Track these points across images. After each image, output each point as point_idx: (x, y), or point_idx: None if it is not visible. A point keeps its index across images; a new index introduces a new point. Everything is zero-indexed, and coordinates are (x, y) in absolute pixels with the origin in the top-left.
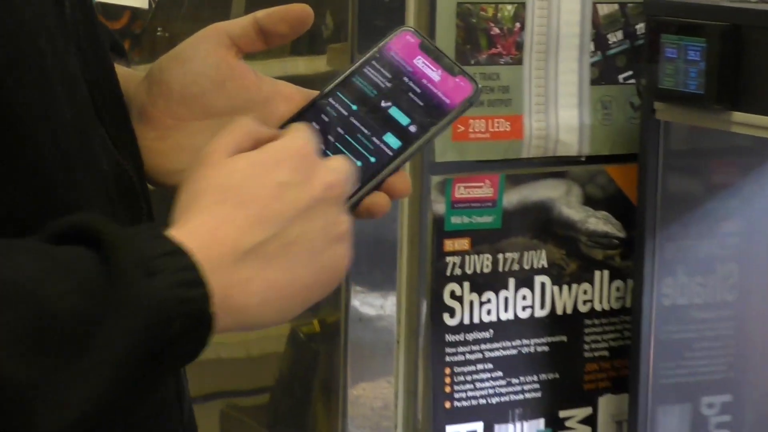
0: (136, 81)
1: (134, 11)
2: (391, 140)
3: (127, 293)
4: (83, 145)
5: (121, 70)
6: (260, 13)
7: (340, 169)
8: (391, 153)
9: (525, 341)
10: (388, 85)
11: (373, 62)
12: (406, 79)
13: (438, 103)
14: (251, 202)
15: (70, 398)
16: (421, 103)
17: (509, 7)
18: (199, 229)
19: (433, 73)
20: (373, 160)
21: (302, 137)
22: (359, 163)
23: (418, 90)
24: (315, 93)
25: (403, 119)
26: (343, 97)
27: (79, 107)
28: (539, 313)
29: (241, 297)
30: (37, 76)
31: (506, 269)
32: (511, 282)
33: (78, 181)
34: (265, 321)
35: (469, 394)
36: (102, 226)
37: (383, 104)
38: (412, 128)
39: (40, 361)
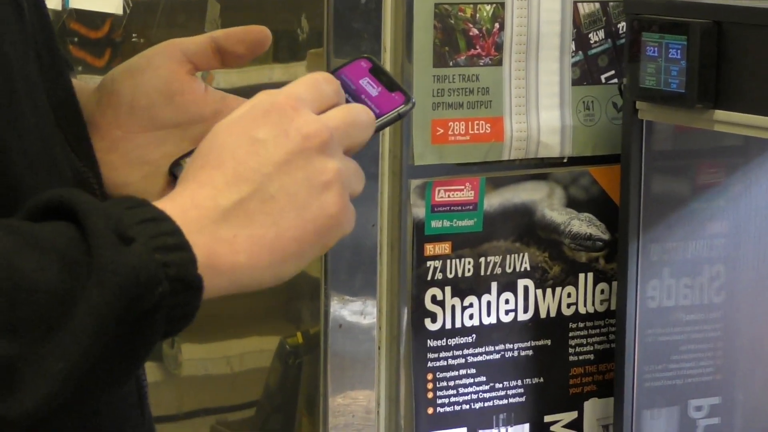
0: (86, 92)
1: (114, 19)
2: None
3: (104, 261)
4: (46, 151)
5: (75, 82)
6: (218, 33)
7: (320, 119)
8: None
9: (508, 346)
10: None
11: None
12: (350, 95)
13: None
14: (227, 162)
15: (51, 369)
16: None
17: (488, 7)
18: (179, 196)
19: (372, 90)
20: None
21: (283, 93)
22: None
23: (352, 102)
24: None
25: None
26: None
27: (40, 113)
28: (522, 317)
29: (228, 256)
30: (2, 81)
31: (488, 273)
32: (494, 286)
33: (43, 184)
34: (259, 278)
35: (452, 399)
36: (77, 198)
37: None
38: None
39: (21, 334)
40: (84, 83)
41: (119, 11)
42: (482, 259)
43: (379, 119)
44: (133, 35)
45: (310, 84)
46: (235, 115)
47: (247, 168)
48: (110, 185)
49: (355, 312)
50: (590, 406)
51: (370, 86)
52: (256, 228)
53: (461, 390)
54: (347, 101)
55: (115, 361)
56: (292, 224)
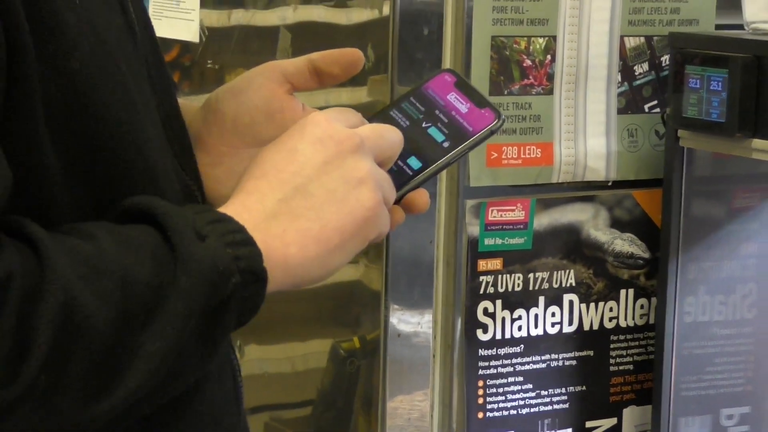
0: (191, 111)
1: (184, 44)
2: (427, 154)
3: (188, 254)
4: (161, 164)
5: (181, 102)
6: (315, 55)
7: (351, 129)
8: (423, 165)
9: (554, 356)
10: (425, 112)
11: (413, 97)
12: (439, 110)
13: (462, 130)
14: (269, 171)
15: (150, 349)
16: (448, 129)
17: (541, 39)
18: (231, 205)
19: (461, 106)
20: (416, 165)
21: (317, 113)
22: (415, 163)
23: (447, 119)
24: None
25: (438, 138)
26: (395, 116)
27: (156, 129)
28: (567, 329)
29: (280, 249)
30: (122, 96)
31: (536, 288)
32: (541, 300)
33: (162, 194)
34: (309, 270)
35: (501, 405)
36: (156, 203)
37: (424, 124)
38: (445, 146)
39: (128, 322)
40: (190, 102)
41: (195, 39)
42: (531, 275)
43: (473, 137)
44: (209, 61)
45: (339, 110)
46: (278, 139)
47: (287, 173)
48: (213, 197)
49: (412, 322)
50: (629, 413)
51: (458, 102)
52: (301, 222)
53: (509, 396)
54: (437, 117)
55: (200, 345)
56: (333, 217)
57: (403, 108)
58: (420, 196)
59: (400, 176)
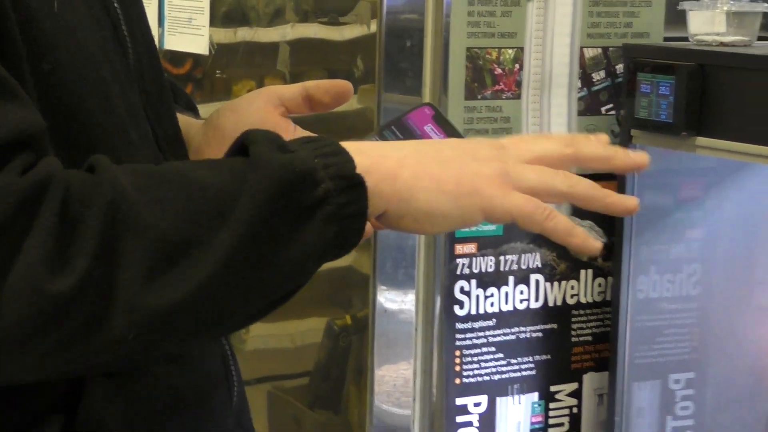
0: (196, 126)
1: (195, 57)
2: None
3: (261, 158)
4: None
5: (185, 117)
6: (309, 84)
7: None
8: None
9: (522, 328)
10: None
11: (394, 127)
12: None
13: None
14: (408, 155)
15: (218, 249)
16: None
17: (510, 50)
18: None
19: (435, 137)
20: None
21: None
22: None
23: None
24: None
25: None
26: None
27: (142, 135)
28: (534, 305)
29: (394, 167)
30: (100, 101)
31: (507, 269)
32: (511, 279)
33: None
34: (417, 200)
35: (476, 372)
36: (253, 133)
37: None
38: None
39: (196, 221)
40: (193, 119)
41: (205, 52)
42: (502, 258)
43: None
44: (217, 72)
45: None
46: None
47: (427, 144)
48: None
49: (397, 300)
50: (588, 379)
51: (433, 133)
52: (424, 160)
53: (483, 364)
54: None
55: (282, 249)
56: (454, 170)
57: (384, 136)
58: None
59: None
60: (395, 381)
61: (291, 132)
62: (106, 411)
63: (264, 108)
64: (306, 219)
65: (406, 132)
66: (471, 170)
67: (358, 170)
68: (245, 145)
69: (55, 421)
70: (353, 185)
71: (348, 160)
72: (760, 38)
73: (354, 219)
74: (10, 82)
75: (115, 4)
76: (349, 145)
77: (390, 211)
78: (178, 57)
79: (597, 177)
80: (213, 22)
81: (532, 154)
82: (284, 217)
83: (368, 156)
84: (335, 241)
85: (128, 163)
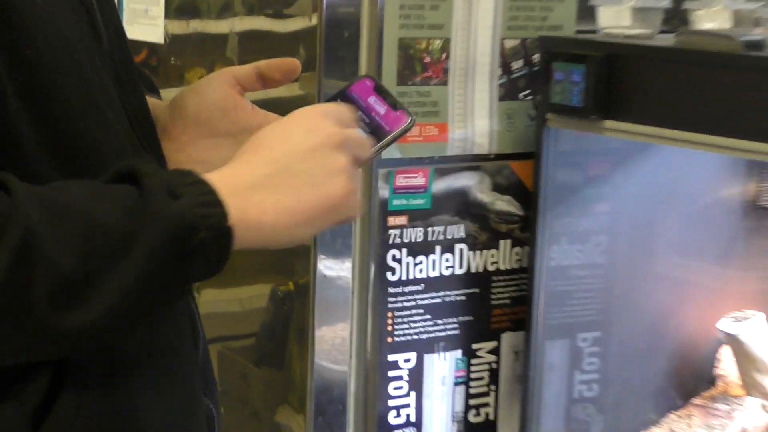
0: (160, 107)
1: (151, 46)
2: None
3: (156, 209)
4: (122, 145)
5: (151, 99)
6: (261, 63)
7: (340, 130)
8: None
9: (447, 292)
10: None
11: (339, 100)
12: (362, 112)
13: (380, 128)
14: (263, 150)
15: (112, 287)
16: (370, 128)
17: (438, 41)
18: (223, 170)
19: (380, 108)
20: None
21: (315, 106)
22: None
23: (368, 119)
24: None
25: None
26: None
27: (115, 113)
28: (458, 271)
29: (255, 215)
30: (78, 81)
31: (434, 239)
32: (438, 248)
33: None
34: (279, 236)
35: (406, 332)
36: (139, 166)
37: None
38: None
39: (91, 260)
40: (158, 100)
41: (161, 41)
42: (430, 229)
43: (389, 135)
44: (171, 59)
45: (336, 107)
46: (275, 122)
47: (278, 153)
48: None
49: (335, 268)
50: (506, 338)
51: (377, 104)
52: (280, 196)
53: (412, 325)
54: (360, 118)
55: (164, 287)
56: (309, 197)
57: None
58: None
59: None
60: (333, 340)
61: (248, 110)
62: (89, 364)
63: (222, 88)
64: (185, 262)
65: (351, 104)
66: (323, 193)
67: (229, 222)
68: (133, 175)
69: (43, 374)
70: (222, 236)
71: (223, 214)
72: (661, 31)
73: (221, 261)
74: None
75: None
76: (226, 184)
77: (258, 245)
78: (135, 45)
79: (518, 156)
80: (167, 14)
81: (363, 155)
82: (169, 260)
83: (237, 203)
84: (204, 274)
85: (39, 186)
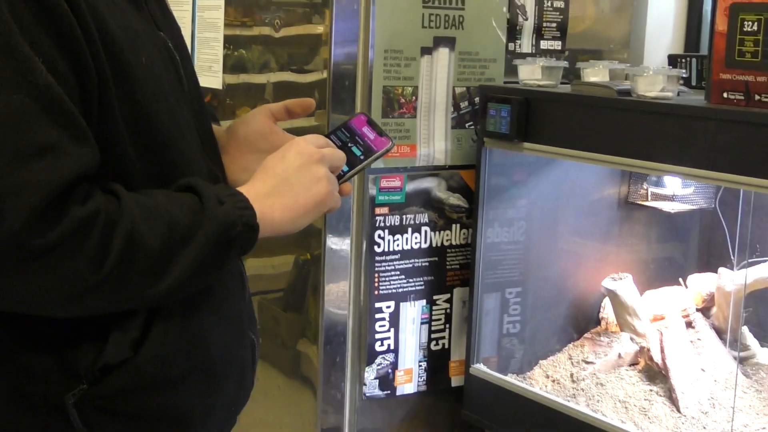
0: (221, 132)
1: (214, 92)
2: (351, 162)
3: (211, 209)
4: (197, 160)
5: (215, 127)
6: (288, 101)
7: (318, 149)
8: (349, 169)
9: (416, 261)
10: (349, 137)
11: (343, 129)
12: (357, 137)
13: (371, 149)
14: (269, 171)
15: (184, 262)
16: (363, 148)
17: (410, 88)
18: (246, 186)
19: (371, 134)
20: (345, 169)
21: (301, 138)
22: (345, 168)
23: (362, 142)
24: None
25: (357, 153)
26: (333, 140)
27: (194, 139)
28: (423, 246)
29: (269, 213)
30: (170, 116)
31: (407, 223)
32: (409, 230)
33: (201, 178)
34: (286, 227)
35: (388, 287)
36: (198, 182)
37: (349, 145)
38: (361, 158)
39: (171, 244)
40: (219, 127)
41: (220, 87)
42: (404, 216)
43: (377, 153)
44: (227, 100)
45: (313, 136)
46: (279, 149)
47: (279, 170)
48: (233, 181)
49: (339, 243)
50: (457, 292)
51: (369, 132)
52: (283, 199)
53: (392, 282)
54: (356, 141)
55: (215, 262)
56: (303, 198)
57: (338, 135)
58: (347, 186)
59: (349, 167)
60: (337, 293)
61: (280, 134)
62: (172, 306)
63: (262, 119)
64: (226, 247)
65: (351, 132)
66: (312, 194)
67: (257, 220)
68: (193, 188)
69: (140, 314)
70: (252, 230)
71: (253, 215)
72: (562, 83)
73: (251, 246)
74: (82, 125)
75: (175, 54)
76: (250, 194)
77: (273, 234)
78: (203, 90)
79: (465, 167)
80: (225, 69)
81: (338, 163)
82: (219, 245)
83: (258, 207)
84: (240, 254)
85: (135, 193)
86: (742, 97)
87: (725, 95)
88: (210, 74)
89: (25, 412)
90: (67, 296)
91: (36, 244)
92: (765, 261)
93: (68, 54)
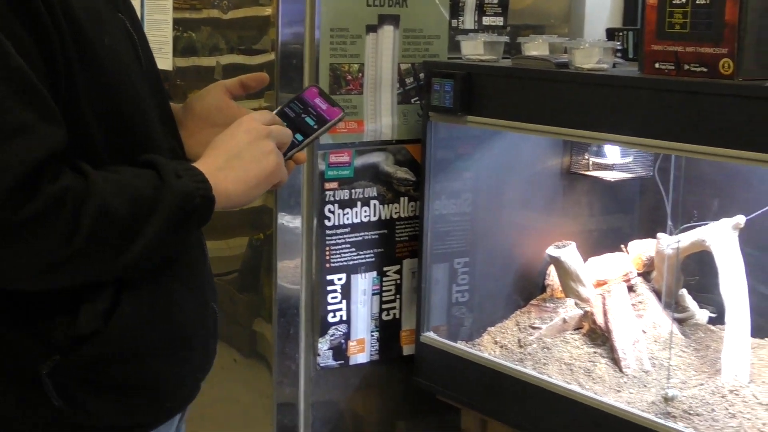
0: (176, 108)
1: (164, 73)
2: (305, 131)
3: (171, 183)
4: (159, 134)
5: (171, 104)
6: (243, 76)
7: (266, 126)
8: (303, 138)
9: (366, 233)
10: (303, 109)
11: (296, 101)
12: (310, 108)
13: (324, 118)
14: (221, 146)
15: (148, 232)
16: (316, 118)
17: (356, 65)
18: (201, 162)
19: (323, 105)
20: (299, 138)
21: (249, 115)
22: (299, 137)
23: (315, 113)
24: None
25: (311, 123)
26: (287, 111)
27: (154, 114)
28: (373, 219)
29: (222, 185)
30: (131, 92)
31: (356, 197)
32: (359, 203)
33: (160, 151)
34: (239, 198)
35: (339, 260)
36: (157, 158)
37: (302, 116)
38: (315, 127)
39: (137, 216)
40: (176, 104)
41: (170, 68)
42: (353, 190)
43: (330, 122)
44: (178, 81)
45: (261, 112)
46: (228, 127)
47: (230, 146)
48: (190, 154)
49: (290, 220)
50: (406, 263)
51: (321, 103)
52: (235, 172)
53: (343, 255)
54: (310, 111)
55: (176, 233)
56: (252, 171)
57: (291, 107)
58: (301, 155)
59: (292, 145)
60: (290, 267)
61: (234, 108)
62: (140, 277)
63: (217, 94)
64: (187, 218)
65: (304, 103)
66: (261, 167)
67: (213, 192)
68: (153, 164)
69: (110, 285)
70: (208, 201)
71: (209, 187)
72: (503, 57)
73: (208, 217)
74: (52, 106)
75: (134, 33)
76: (204, 169)
77: (227, 206)
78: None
79: (412, 141)
80: (175, 52)
81: (285, 139)
82: (178, 216)
83: (213, 180)
84: (198, 225)
85: (102, 170)
86: (673, 67)
87: (657, 65)
88: (160, 56)
89: (1, 384)
90: (38, 270)
91: (10, 221)
92: (701, 225)
93: (36, 36)
